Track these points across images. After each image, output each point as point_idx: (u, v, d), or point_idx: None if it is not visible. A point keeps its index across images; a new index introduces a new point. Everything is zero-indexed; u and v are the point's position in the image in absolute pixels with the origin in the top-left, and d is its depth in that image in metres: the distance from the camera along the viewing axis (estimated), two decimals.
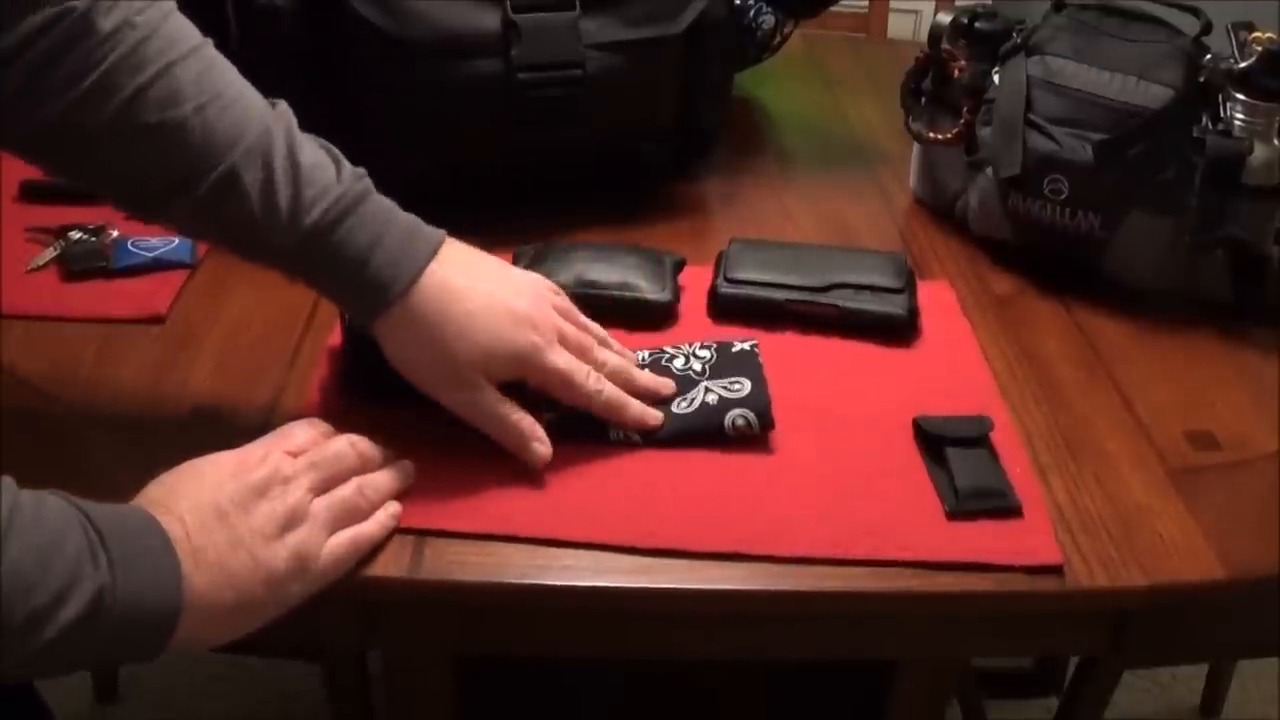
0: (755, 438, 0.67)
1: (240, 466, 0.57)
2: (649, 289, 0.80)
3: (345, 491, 0.60)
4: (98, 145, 0.58)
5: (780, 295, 0.80)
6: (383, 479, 0.62)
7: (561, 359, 0.63)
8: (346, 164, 0.63)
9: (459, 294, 0.61)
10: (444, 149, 0.87)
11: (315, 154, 0.62)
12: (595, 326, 0.70)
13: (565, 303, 0.68)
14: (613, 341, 0.70)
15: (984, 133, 0.87)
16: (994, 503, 0.65)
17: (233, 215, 0.60)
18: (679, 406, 0.68)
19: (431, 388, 0.62)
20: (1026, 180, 0.83)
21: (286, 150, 0.60)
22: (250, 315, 0.77)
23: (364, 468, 0.61)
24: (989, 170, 0.87)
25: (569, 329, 0.65)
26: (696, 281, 0.83)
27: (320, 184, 0.61)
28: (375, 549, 0.60)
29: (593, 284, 0.80)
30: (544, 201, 0.91)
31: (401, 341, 0.61)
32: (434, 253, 0.62)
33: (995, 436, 0.69)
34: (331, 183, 0.61)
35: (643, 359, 0.72)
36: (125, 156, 0.59)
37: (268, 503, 0.56)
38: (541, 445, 0.63)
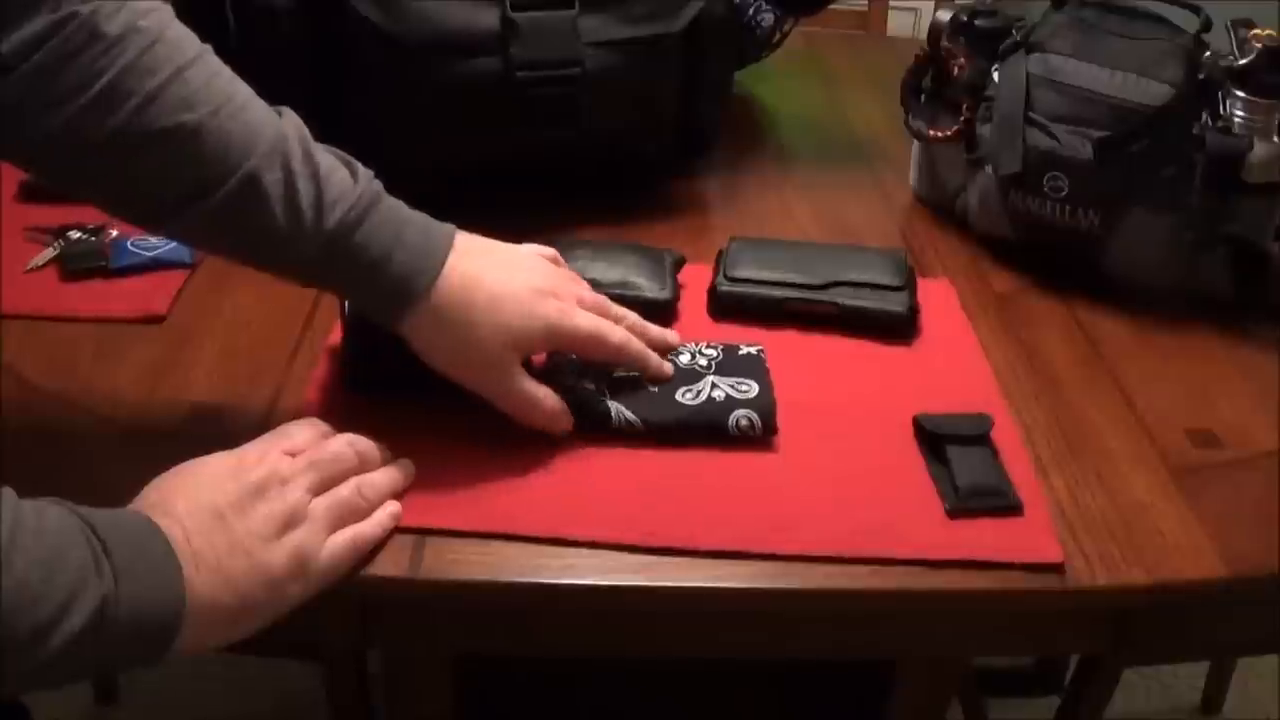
0: (757, 439, 0.67)
1: (238, 467, 0.57)
2: (648, 287, 0.80)
3: (344, 491, 0.59)
4: (106, 153, 0.57)
5: (780, 293, 0.80)
6: (382, 478, 0.61)
7: (586, 320, 0.65)
8: (359, 165, 0.63)
9: (480, 281, 0.62)
10: (443, 147, 0.87)
11: (328, 157, 0.62)
12: (613, 305, 0.71)
13: (568, 269, 0.71)
14: (624, 310, 0.72)
15: (984, 130, 0.87)
16: (994, 501, 0.65)
17: (253, 221, 0.59)
18: (684, 396, 0.69)
19: (464, 376, 0.63)
20: (1026, 178, 0.83)
21: (303, 153, 0.60)
22: (249, 315, 0.77)
23: (363, 467, 0.61)
24: (989, 168, 0.87)
25: (583, 291, 0.67)
26: (696, 280, 0.83)
27: (340, 185, 0.61)
28: (375, 549, 0.60)
29: (592, 282, 0.79)
30: (543, 199, 0.91)
31: (430, 335, 0.62)
32: (451, 245, 0.63)
33: (996, 434, 0.69)
34: (349, 184, 0.61)
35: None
36: (136, 164, 0.57)
37: (266, 503, 0.56)
38: (568, 417, 0.65)
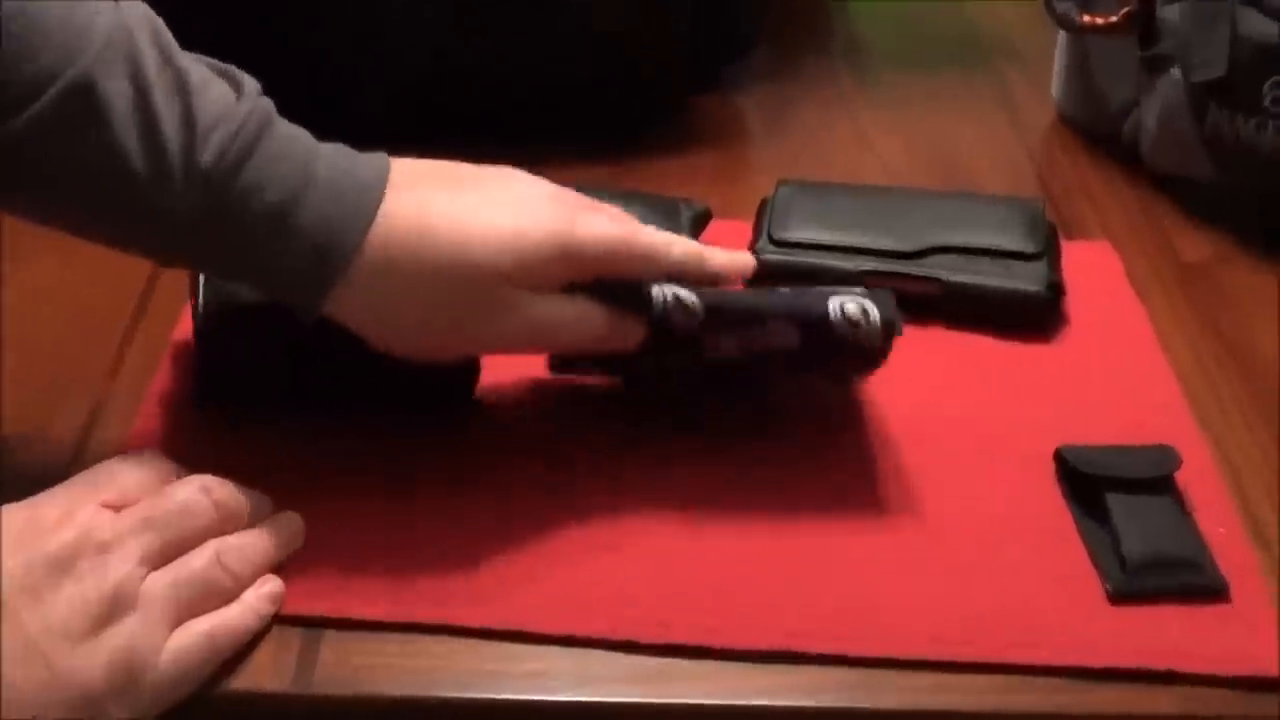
0: (869, 354, 0.68)
1: (30, 529, 0.57)
2: None
3: (197, 562, 0.60)
4: None
5: (853, 264, 0.80)
6: (254, 542, 0.62)
7: (606, 223, 0.67)
8: (244, 75, 0.63)
9: (440, 207, 0.63)
10: (389, 65, 0.88)
11: (195, 62, 0.62)
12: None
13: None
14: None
15: (1168, 13, 0.87)
16: (1183, 578, 0.65)
17: (84, 157, 0.59)
18: (772, 290, 0.70)
19: (445, 345, 0.65)
20: (1236, 85, 0.83)
21: (159, 56, 0.60)
22: (54, 294, 0.78)
23: (225, 525, 0.61)
24: (1176, 70, 0.87)
25: (602, 204, 0.69)
26: (728, 243, 0.82)
27: (219, 102, 0.61)
28: (245, 648, 0.60)
29: None
30: (517, 130, 0.91)
31: (378, 308, 0.62)
32: (385, 173, 0.63)
33: (1183, 477, 0.69)
34: (230, 101, 0.61)
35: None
36: None
37: (75, 583, 0.56)
38: (635, 324, 0.68)
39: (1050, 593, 0.64)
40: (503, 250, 0.63)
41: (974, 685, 0.61)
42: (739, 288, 0.72)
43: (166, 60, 0.61)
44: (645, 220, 0.81)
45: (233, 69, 0.64)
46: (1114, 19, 0.91)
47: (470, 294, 0.63)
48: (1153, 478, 0.69)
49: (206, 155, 0.60)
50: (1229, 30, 0.83)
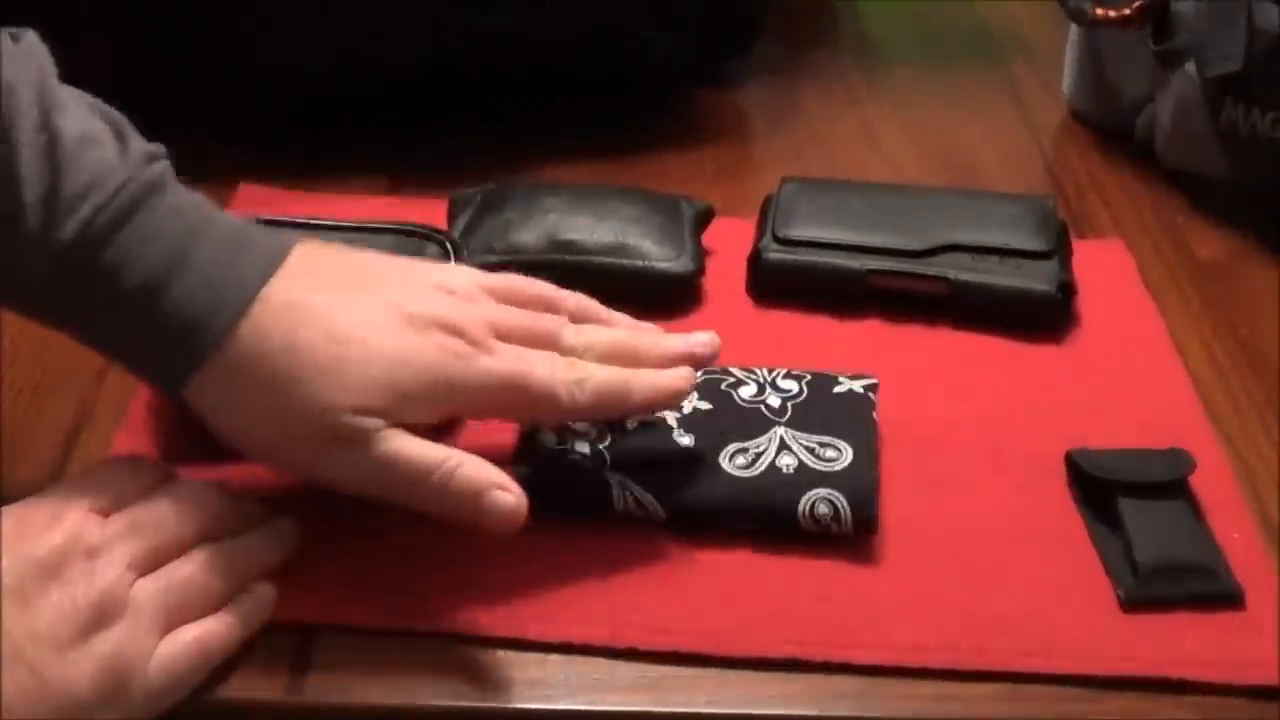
0: (842, 536, 0.66)
1: (18, 533, 0.56)
2: (657, 254, 0.80)
3: (186, 568, 0.59)
4: None
5: (858, 263, 0.80)
6: (245, 548, 0.62)
7: (503, 361, 0.62)
8: (135, 135, 0.62)
9: (316, 311, 0.60)
10: (352, 36, 0.87)
11: (84, 119, 0.61)
12: (569, 296, 0.68)
13: (508, 280, 0.67)
14: (608, 312, 0.69)
15: (1183, 6, 0.87)
16: (1196, 585, 0.64)
17: None
18: (731, 461, 0.68)
19: (294, 457, 0.61)
20: (1252, 80, 0.83)
21: (38, 113, 0.59)
22: None
23: (216, 531, 0.61)
24: (1191, 65, 0.87)
25: (509, 314, 0.64)
26: (730, 241, 0.83)
27: (92, 168, 0.59)
28: (237, 654, 0.60)
29: (571, 247, 0.80)
30: (501, 120, 0.91)
31: (232, 401, 0.60)
32: (276, 263, 0.61)
33: (1198, 481, 0.69)
34: (110, 165, 0.60)
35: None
36: None
37: (62, 589, 0.55)
38: (507, 494, 0.61)
39: (1061, 599, 0.64)
40: (370, 380, 0.60)
41: (980, 694, 0.61)
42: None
43: (45, 122, 0.59)
44: (643, 216, 0.82)
45: (126, 127, 0.62)
46: (1127, 12, 0.90)
47: (321, 419, 0.59)
48: (1166, 482, 0.68)
49: (68, 228, 0.59)
50: (1245, 23, 0.82)
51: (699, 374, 0.72)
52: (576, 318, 0.67)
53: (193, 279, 0.59)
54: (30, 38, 0.61)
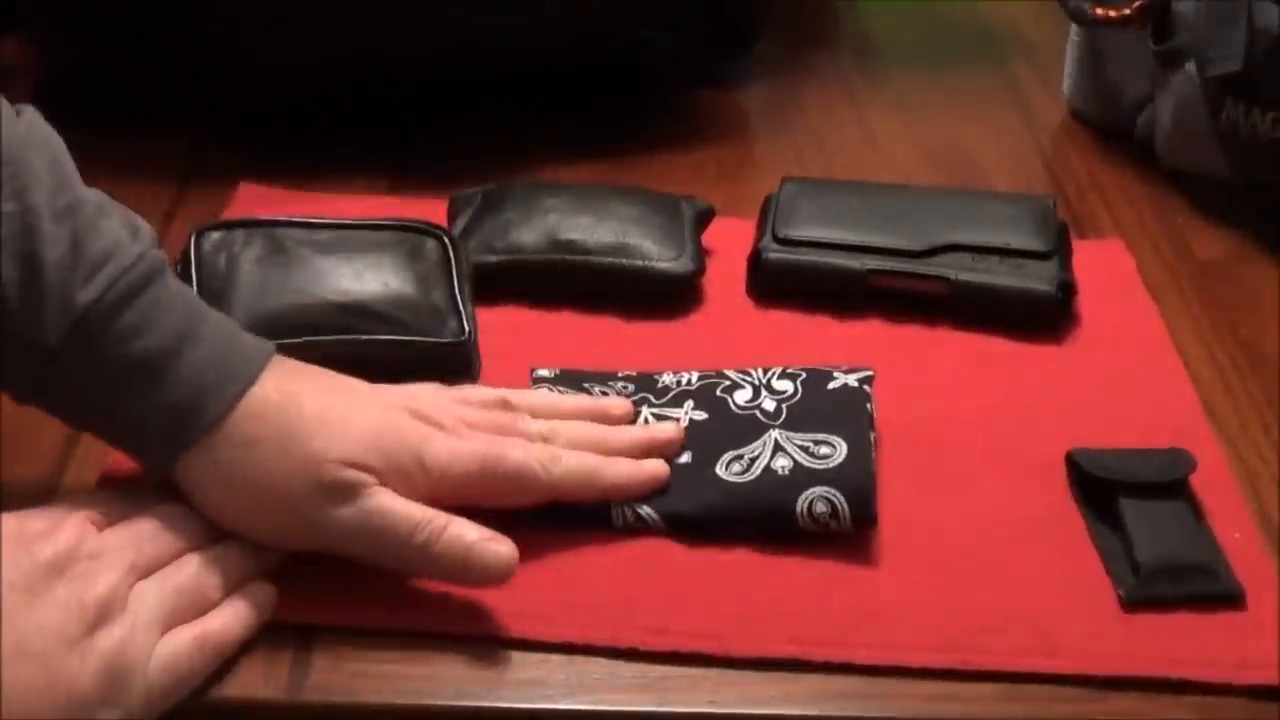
0: (841, 533, 0.67)
1: (22, 535, 0.57)
2: (657, 254, 0.80)
3: (185, 570, 0.60)
4: None
5: (859, 262, 0.80)
6: (243, 550, 0.62)
7: (479, 441, 0.65)
8: (140, 220, 0.63)
9: (307, 388, 0.63)
10: (353, 36, 0.87)
11: (96, 193, 0.62)
12: (527, 393, 0.71)
13: (467, 388, 0.70)
14: (570, 400, 0.70)
15: (1183, 6, 0.87)
16: (1197, 585, 0.64)
17: None
18: (727, 469, 0.68)
19: (285, 517, 0.62)
20: (1252, 79, 0.83)
21: (52, 179, 0.60)
22: None
23: (210, 540, 0.62)
24: (1191, 65, 0.87)
25: (474, 411, 0.67)
26: (730, 241, 0.83)
27: (110, 237, 0.60)
28: (237, 654, 0.60)
29: (571, 246, 0.80)
30: (501, 120, 0.91)
31: (231, 466, 0.61)
32: (269, 354, 0.63)
33: (1198, 481, 0.69)
34: (124, 240, 0.61)
35: (689, 382, 0.72)
36: None
37: (69, 585, 0.55)
38: (498, 545, 0.62)
39: (1061, 599, 0.64)
40: (361, 437, 0.62)
41: (981, 693, 0.61)
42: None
43: (62, 186, 0.60)
44: (643, 217, 0.82)
45: (131, 212, 0.63)
46: (1127, 12, 0.90)
47: (317, 471, 0.61)
48: (1167, 482, 0.68)
49: (89, 290, 0.59)
50: (1245, 23, 0.82)
51: (696, 376, 0.73)
52: (536, 413, 0.69)
53: (204, 350, 0.61)
54: (30, 113, 0.62)
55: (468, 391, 0.69)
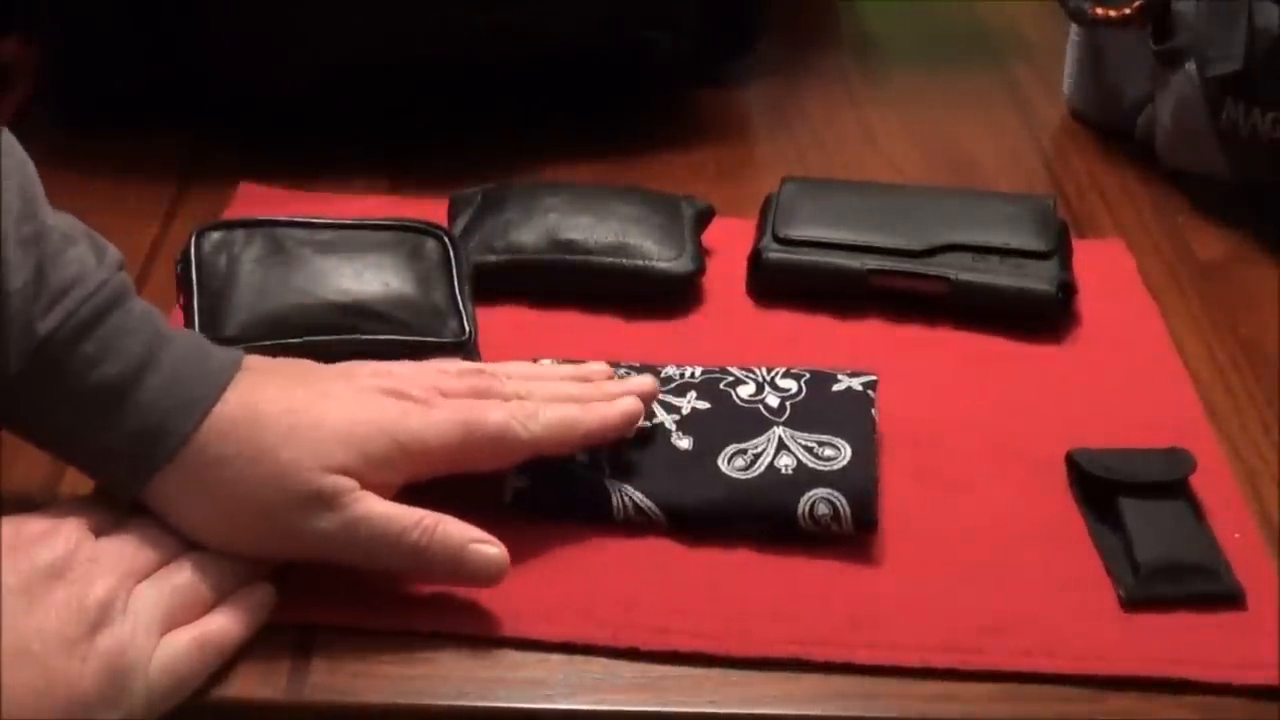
0: (842, 536, 0.66)
1: (20, 539, 0.57)
2: (657, 253, 0.80)
3: (184, 572, 0.60)
4: None
5: (859, 262, 0.80)
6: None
7: (454, 408, 0.64)
8: (108, 245, 0.63)
9: (274, 393, 0.62)
10: (353, 35, 0.87)
11: (65, 218, 0.62)
12: (504, 364, 0.70)
13: (443, 360, 0.70)
14: (550, 367, 0.70)
15: (1183, 6, 0.87)
16: (1197, 585, 0.64)
17: None
18: (731, 463, 0.68)
19: (267, 532, 0.61)
20: (1253, 79, 0.83)
21: (20, 205, 0.59)
22: None
23: None
24: (1191, 65, 0.87)
25: (449, 378, 0.66)
26: (731, 241, 0.84)
27: (75, 264, 0.60)
28: (237, 655, 0.60)
29: (571, 246, 0.80)
30: (501, 120, 0.91)
31: (204, 486, 0.60)
32: (236, 362, 0.63)
33: (1199, 481, 0.69)
34: (89, 265, 0.61)
35: (692, 375, 0.72)
36: None
37: (68, 587, 0.56)
38: (489, 546, 0.62)
39: (1061, 599, 0.64)
40: (335, 441, 0.61)
41: (980, 694, 0.61)
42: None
43: (29, 214, 0.60)
44: (643, 216, 0.82)
45: (99, 237, 0.63)
46: (1127, 12, 0.90)
47: (296, 481, 0.60)
48: (1167, 481, 0.68)
49: (49, 320, 0.59)
50: (1245, 23, 0.82)
51: (699, 371, 0.73)
52: (514, 377, 0.68)
53: (164, 374, 0.60)
54: (6, 136, 0.62)
55: (444, 363, 0.69)
